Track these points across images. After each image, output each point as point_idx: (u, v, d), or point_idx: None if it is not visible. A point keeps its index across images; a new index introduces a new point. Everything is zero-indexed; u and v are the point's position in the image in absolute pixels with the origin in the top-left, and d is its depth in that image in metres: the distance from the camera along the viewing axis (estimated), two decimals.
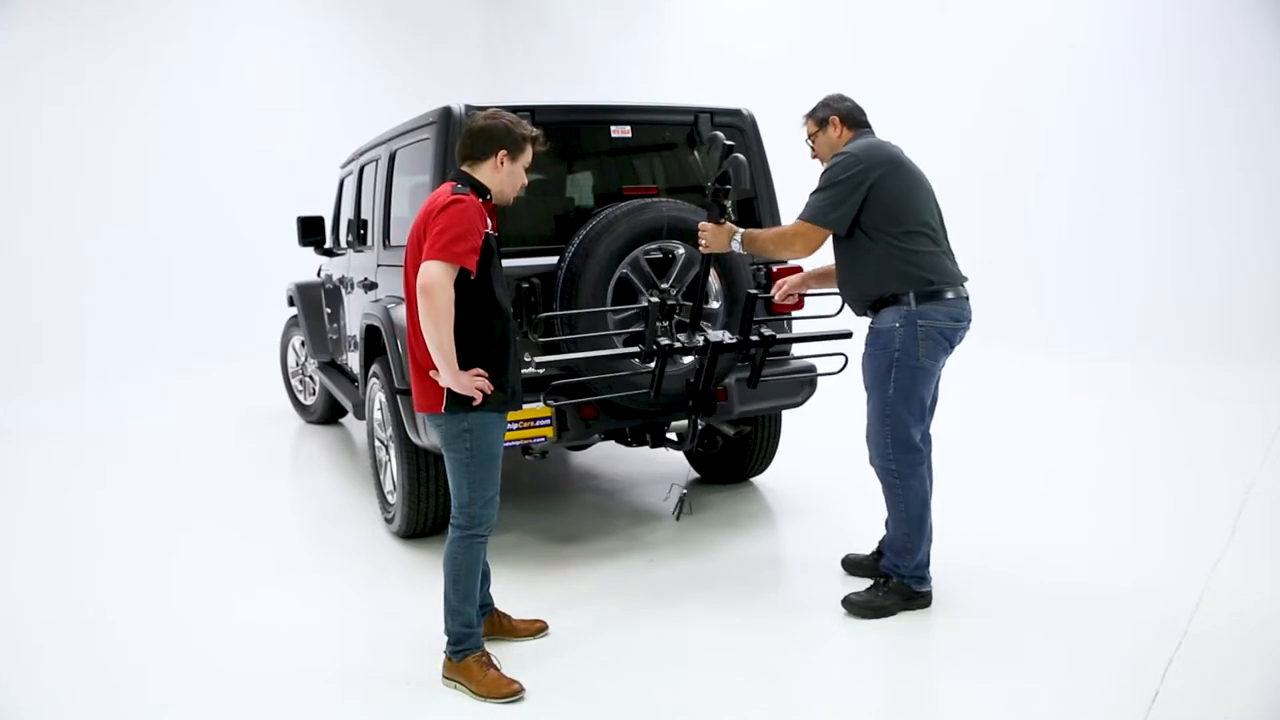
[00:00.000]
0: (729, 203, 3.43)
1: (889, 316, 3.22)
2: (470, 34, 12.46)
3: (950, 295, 3.22)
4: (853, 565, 3.67)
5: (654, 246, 3.77)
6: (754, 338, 3.62)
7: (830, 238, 3.32)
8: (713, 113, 4.20)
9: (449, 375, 2.70)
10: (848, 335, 3.72)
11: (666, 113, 4.20)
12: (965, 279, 3.31)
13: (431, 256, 2.66)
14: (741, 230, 3.38)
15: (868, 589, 3.38)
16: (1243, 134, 7.63)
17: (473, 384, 2.72)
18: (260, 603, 3.67)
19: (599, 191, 4.07)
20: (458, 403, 2.76)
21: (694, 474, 5.05)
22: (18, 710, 2.89)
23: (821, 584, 3.58)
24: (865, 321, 3.37)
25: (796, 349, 4.33)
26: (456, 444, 2.82)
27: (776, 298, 3.74)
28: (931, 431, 3.44)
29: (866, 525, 3.84)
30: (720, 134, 3.51)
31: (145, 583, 3.90)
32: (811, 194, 3.29)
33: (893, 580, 3.34)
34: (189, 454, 6.08)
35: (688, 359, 3.74)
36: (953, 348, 3.28)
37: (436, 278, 2.65)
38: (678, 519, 4.22)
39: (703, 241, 3.43)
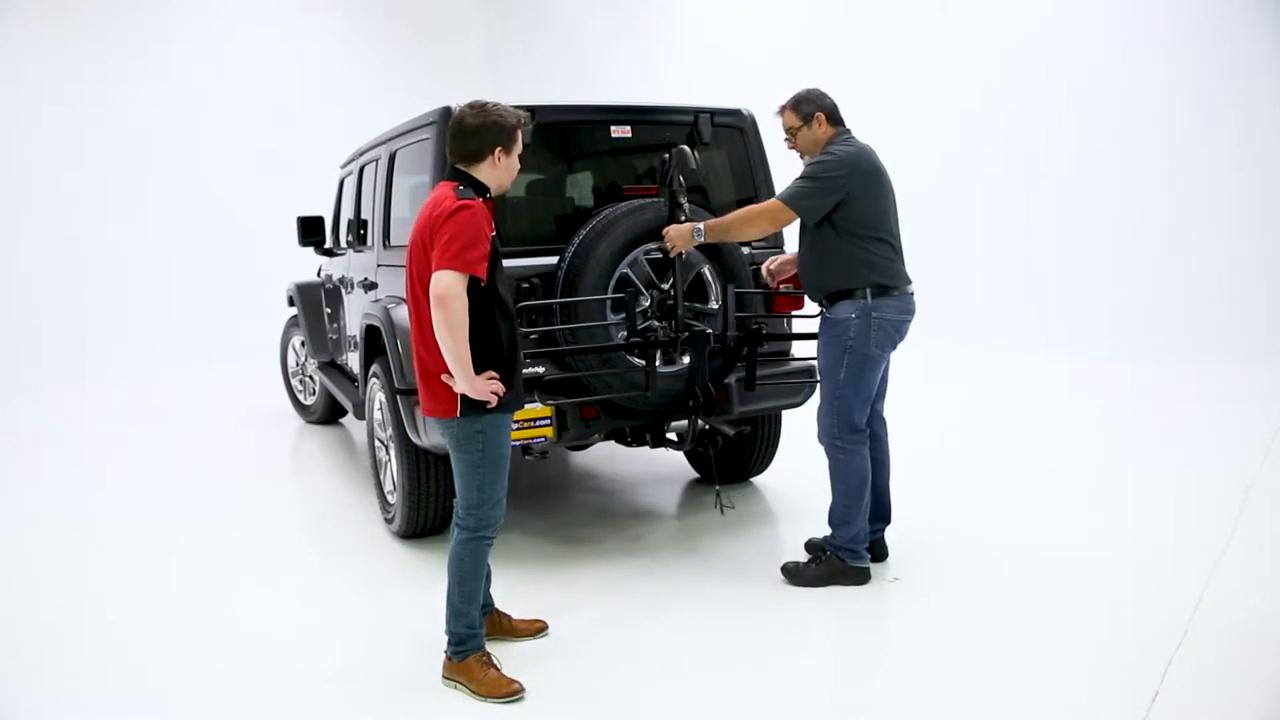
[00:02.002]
0: (684, 201, 3.64)
1: (845, 309, 3.47)
2: (470, 34, 12.47)
3: (899, 292, 3.49)
4: (813, 548, 3.82)
5: (654, 246, 3.77)
6: (736, 333, 3.79)
7: (798, 232, 3.57)
8: (713, 113, 4.21)
9: (465, 382, 2.70)
10: None
11: (666, 113, 4.20)
12: (911, 281, 3.57)
13: (443, 266, 2.65)
14: (701, 224, 3.57)
15: (806, 561, 3.65)
16: (1243, 133, 7.64)
17: (488, 388, 2.73)
18: (260, 603, 3.67)
19: (599, 191, 4.07)
20: (471, 407, 2.76)
21: (694, 474, 5.07)
22: (18, 710, 2.89)
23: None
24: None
25: (797, 349, 4.33)
26: (468, 446, 2.81)
27: (768, 272, 3.84)
28: (886, 416, 3.77)
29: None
30: (667, 154, 3.65)
31: (145, 583, 3.90)
32: (795, 179, 3.48)
33: (827, 554, 3.60)
34: (189, 454, 6.07)
35: (685, 359, 3.77)
36: (900, 338, 3.55)
37: (450, 287, 2.64)
38: (722, 514, 4.36)
39: (669, 244, 3.62)
